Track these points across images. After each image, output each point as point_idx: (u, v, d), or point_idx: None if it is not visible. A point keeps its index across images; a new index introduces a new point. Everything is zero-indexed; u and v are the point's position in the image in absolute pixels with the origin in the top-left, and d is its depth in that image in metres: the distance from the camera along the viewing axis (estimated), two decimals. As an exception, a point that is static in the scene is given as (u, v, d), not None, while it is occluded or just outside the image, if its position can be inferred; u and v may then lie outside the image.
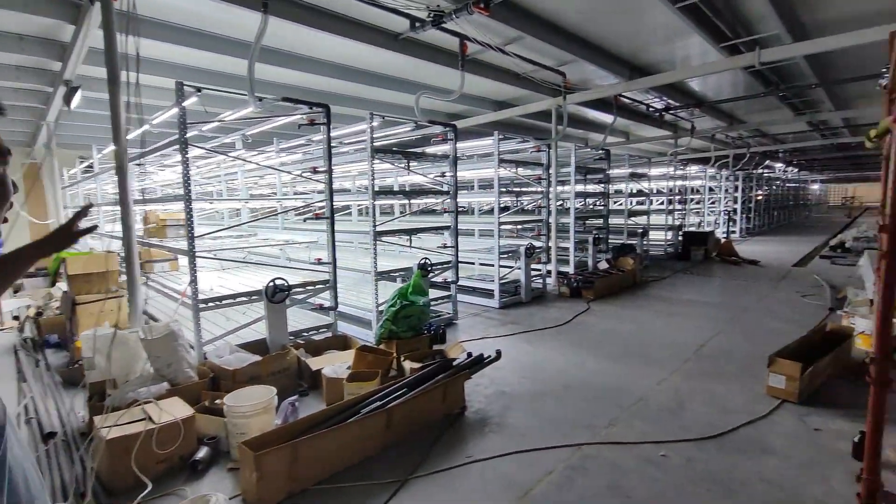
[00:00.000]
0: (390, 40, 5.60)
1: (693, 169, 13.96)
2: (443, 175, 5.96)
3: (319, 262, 4.80)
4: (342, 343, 4.58)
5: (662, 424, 3.33)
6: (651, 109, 9.50)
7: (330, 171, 4.57)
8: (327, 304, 4.75)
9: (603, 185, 8.96)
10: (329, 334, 4.76)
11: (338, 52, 6.26)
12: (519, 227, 7.62)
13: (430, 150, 6.74)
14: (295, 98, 4.41)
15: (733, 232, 15.80)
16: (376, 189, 5.07)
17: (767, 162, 20.17)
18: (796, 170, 27.29)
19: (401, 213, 8.60)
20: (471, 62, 6.68)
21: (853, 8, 5.30)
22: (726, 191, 16.05)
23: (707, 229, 13.73)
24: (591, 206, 9.23)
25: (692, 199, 14.09)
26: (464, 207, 14.83)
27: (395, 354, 3.90)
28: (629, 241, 9.92)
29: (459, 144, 7.26)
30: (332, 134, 5.95)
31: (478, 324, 6.06)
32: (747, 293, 7.61)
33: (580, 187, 9.02)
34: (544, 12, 5.45)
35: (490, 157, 6.61)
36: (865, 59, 7.26)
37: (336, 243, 4.74)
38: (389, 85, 7.20)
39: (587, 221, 9.03)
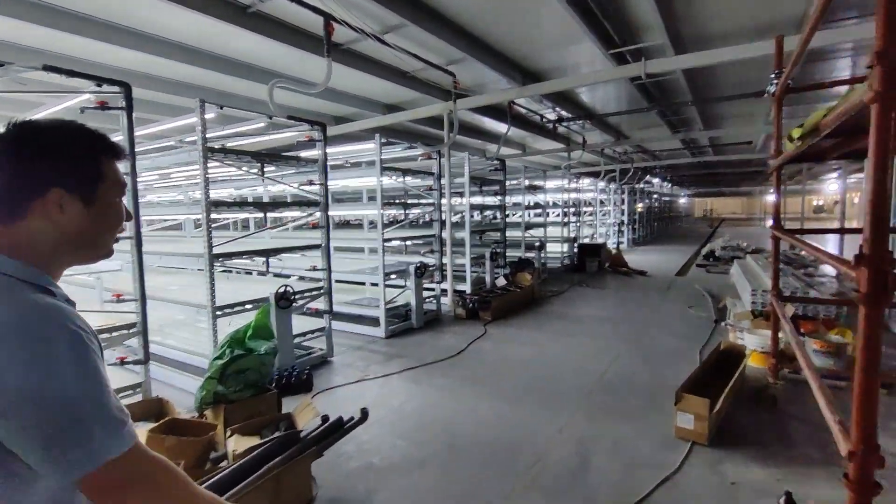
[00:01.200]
0: (238, 14, 4.48)
1: (585, 182, 14.39)
2: (311, 183, 4.93)
3: (119, 298, 3.50)
4: (156, 410, 3.33)
5: (565, 495, 2.65)
6: (545, 120, 9.36)
7: (134, 173, 3.33)
8: (133, 356, 3.47)
9: (499, 196, 8.53)
10: (138, 397, 3.47)
11: (173, 28, 4.96)
12: (408, 242, 6.81)
13: (305, 154, 5.68)
14: (86, 73, 3.13)
15: (622, 243, 16.65)
16: (211, 199, 3.90)
17: (647, 177, 21.90)
18: (669, 185, 30.28)
19: (258, 228, 7.35)
20: (348, 54, 5.77)
21: (735, 23, 5.34)
22: (614, 203, 16.91)
23: (600, 241, 14.18)
24: (489, 220, 8.74)
25: (585, 212, 14.50)
26: (358, 221, 13.82)
27: (217, 428, 2.80)
28: (527, 256, 9.62)
29: (340, 149, 6.31)
30: (146, 129, 4.66)
31: (358, 360, 5.08)
32: (640, 306, 7.57)
33: (476, 199, 8.50)
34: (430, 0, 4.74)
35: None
36: (734, 80, 7.69)
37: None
38: (240, 72, 5.94)
39: (484, 235, 8.51)
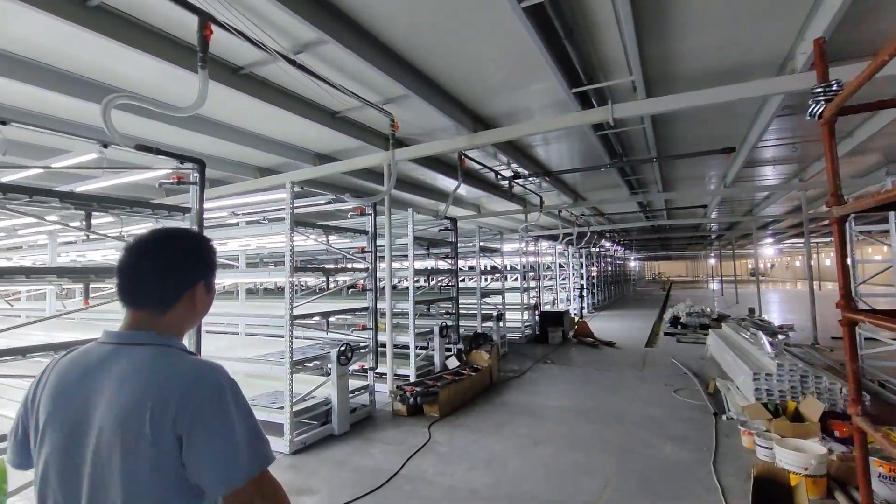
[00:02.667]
0: (76, 7, 3.24)
1: (544, 245, 13.61)
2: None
3: None
4: None
5: None
6: (500, 178, 8.50)
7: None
8: None
9: (451, 260, 7.34)
10: None
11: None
12: (334, 318, 5.36)
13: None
14: None
15: (583, 308, 15.77)
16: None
17: (603, 241, 21.74)
18: (622, 248, 30.60)
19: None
20: (254, 82, 4.62)
21: (708, 65, 4.66)
22: (573, 267, 16.22)
23: (562, 308, 13.17)
24: (438, 287, 7.46)
25: (545, 276, 13.60)
26: (270, 288, 12.17)
27: None
28: (484, 328, 8.31)
29: (245, 200, 4.97)
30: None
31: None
32: (617, 390, 6.33)
33: (421, 263, 7.26)
34: (354, 10, 3.72)
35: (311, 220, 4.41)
36: (692, 138, 7.17)
37: None
38: (72, 89, 4.46)
39: (433, 305, 7.17)
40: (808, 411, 4.19)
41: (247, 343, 5.97)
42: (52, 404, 1.02)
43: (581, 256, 17.55)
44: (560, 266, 14.85)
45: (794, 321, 12.99)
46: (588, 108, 5.17)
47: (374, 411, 5.40)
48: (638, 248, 37.67)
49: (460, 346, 7.12)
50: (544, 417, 5.24)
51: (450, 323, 6.96)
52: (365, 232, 5.41)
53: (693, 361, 8.03)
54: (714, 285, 41.43)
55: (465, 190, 10.12)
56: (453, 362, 6.58)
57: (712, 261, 57.55)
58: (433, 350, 6.70)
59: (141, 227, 4.28)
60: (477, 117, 5.95)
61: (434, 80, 4.97)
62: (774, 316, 14.75)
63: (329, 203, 5.07)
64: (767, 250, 40.24)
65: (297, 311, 4.43)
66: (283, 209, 4.43)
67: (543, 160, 8.41)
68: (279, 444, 4.26)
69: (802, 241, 30.09)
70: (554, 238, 13.49)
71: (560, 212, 12.80)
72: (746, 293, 23.82)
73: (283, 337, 4.34)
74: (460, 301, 7.55)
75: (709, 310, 14.22)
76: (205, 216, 5.25)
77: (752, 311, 15.74)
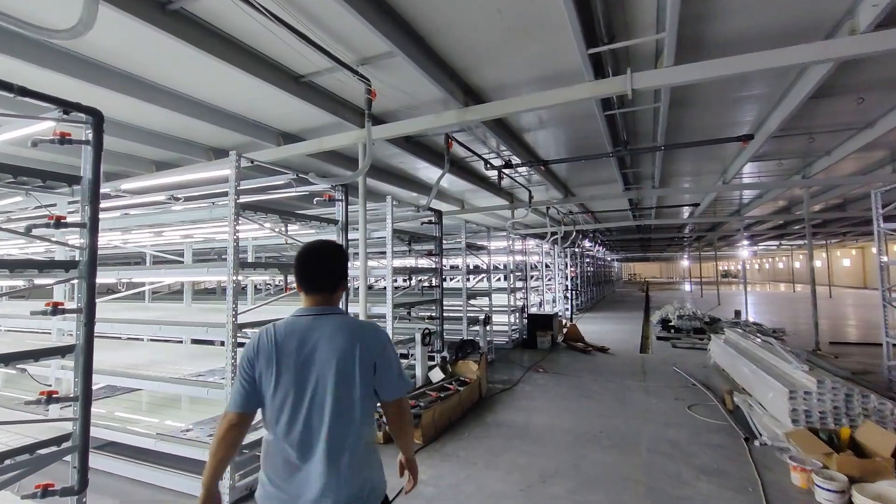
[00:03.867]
0: None
1: (531, 244, 12.86)
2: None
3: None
4: None
5: None
6: (489, 167, 7.67)
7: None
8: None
9: (435, 258, 6.45)
10: None
11: None
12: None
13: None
14: None
15: (567, 309, 15.11)
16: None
17: (586, 241, 21.23)
18: (602, 249, 30.28)
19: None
20: (192, 25, 3.62)
21: (753, 23, 3.91)
22: (558, 267, 15.55)
23: (550, 310, 12.46)
24: (419, 288, 6.56)
25: (532, 276, 12.85)
26: (213, 291, 10.91)
27: None
28: (470, 335, 7.46)
29: (174, 178, 3.99)
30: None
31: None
32: (623, 405, 5.57)
33: (401, 262, 6.35)
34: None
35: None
36: (702, 125, 6.49)
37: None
38: None
39: (413, 308, 6.27)
40: (870, 441, 3.48)
41: (191, 354, 4.95)
42: (284, 355, 1.61)
43: (566, 256, 16.93)
44: (546, 266, 14.13)
45: (780, 324, 12.60)
46: (602, 75, 4.36)
47: (344, 437, 4.48)
48: (618, 249, 37.56)
49: (445, 354, 6.25)
50: (547, 442, 4.41)
51: (433, 328, 6.08)
52: (334, 222, 4.47)
53: (697, 370, 7.37)
54: (687, 286, 41.87)
55: (448, 182, 9.25)
56: (437, 374, 5.70)
57: (686, 262, 58.46)
58: (414, 360, 5.81)
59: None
60: (468, 89, 5.09)
61: (422, 36, 4.07)
62: (760, 319, 14.38)
63: (288, 185, 4.12)
64: (742, 252, 40.73)
65: (243, 318, 3.48)
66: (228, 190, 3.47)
67: (537, 147, 7.61)
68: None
69: (777, 242, 30.37)
70: (541, 237, 12.76)
71: (548, 209, 12.10)
72: (723, 295, 23.74)
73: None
74: (444, 304, 6.67)
75: (699, 312, 13.75)
76: (135, 200, 4.24)
77: (738, 313, 15.38)
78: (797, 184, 9.03)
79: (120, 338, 5.78)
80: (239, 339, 3.40)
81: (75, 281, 2.57)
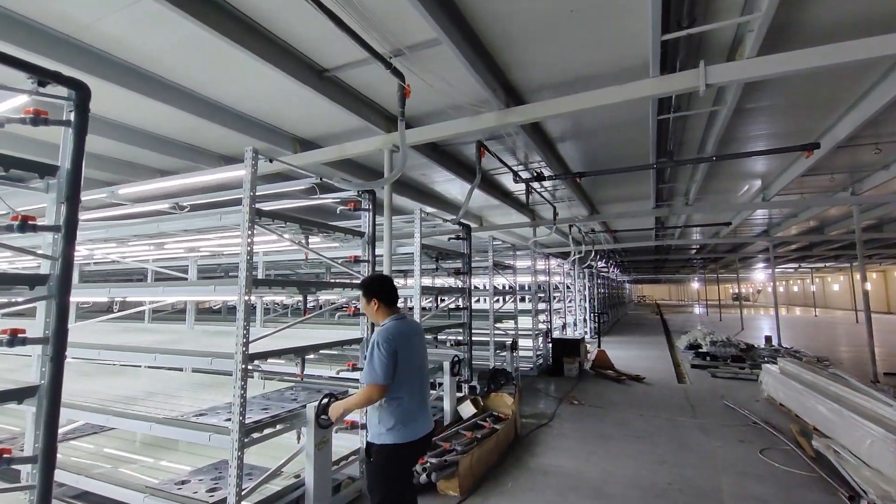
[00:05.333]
0: None
1: (553, 263, 12.22)
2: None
3: None
4: None
5: None
6: (517, 180, 7.10)
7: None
8: None
9: (462, 277, 5.84)
10: None
11: None
12: (303, 357, 3.75)
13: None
14: None
15: (586, 334, 14.36)
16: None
17: (600, 262, 20.57)
18: (617, 270, 29.54)
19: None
20: (204, 4, 3.13)
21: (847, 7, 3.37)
22: (578, 290, 14.87)
23: (571, 334, 11.74)
24: (446, 310, 5.92)
25: (554, 298, 12.17)
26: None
27: None
28: (496, 361, 6.79)
29: (178, 182, 3.46)
30: None
31: None
32: (685, 450, 4.84)
33: (429, 281, 5.76)
34: None
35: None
36: (768, 132, 5.93)
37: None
38: None
39: (440, 333, 5.62)
40: None
41: (193, 384, 4.33)
42: (408, 344, 2.53)
43: (585, 277, 16.29)
44: (567, 287, 13.46)
45: (817, 351, 11.79)
46: (671, 70, 3.82)
47: (365, 493, 3.80)
48: (630, 271, 36.74)
49: (475, 384, 5.58)
50: (610, 497, 3.71)
51: (462, 356, 5.42)
52: (360, 234, 3.90)
53: (750, 404, 6.63)
54: (697, 309, 40.86)
55: (462, 193, 8.73)
56: (468, 409, 5.02)
57: (696, 284, 57.43)
58: (442, 391, 5.14)
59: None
60: (510, 88, 4.56)
61: (468, 18, 3.55)
62: (793, 345, 13.55)
63: (311, 191, 3.56)
64: (758, 275, 39.84)
65: (256, 347, 2.86)
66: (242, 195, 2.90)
67: (570, 159, 7.06)
68: (216, 566, 2.64)
69: (796, 265, 29.45)
70: (564, 256, 12.14)
71: (571, 227, 11.52)
72: (735, 319, 22.82)
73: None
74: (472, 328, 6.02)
75: (731, 338, 12.96)
76: (135, 209, 3.69)
77: (768, 339, 14.58)
78: (848, 201, 8.39)
79: (113, 364, 5.18)
80: (251, 371, 2.78)
81: (42, 302, 1.99)
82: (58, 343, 1.95)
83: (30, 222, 1.96)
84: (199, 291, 3.08)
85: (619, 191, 9.46)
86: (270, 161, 3.06)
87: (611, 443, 5.07)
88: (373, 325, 3.93)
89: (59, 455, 3.62)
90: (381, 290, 2.62)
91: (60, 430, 4.15)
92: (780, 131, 5.88)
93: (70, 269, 1.97)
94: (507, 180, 8.37)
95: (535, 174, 6.89)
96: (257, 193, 2.91)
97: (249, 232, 2.80)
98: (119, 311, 4.52)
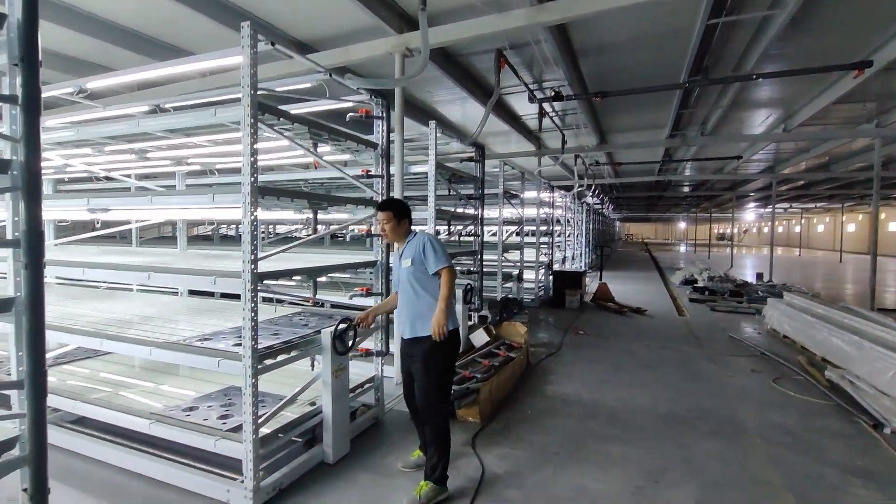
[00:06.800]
0: None
1: (556, 195, 11.83)
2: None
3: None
4: None
5: None
6: (536, 99, 6.49)
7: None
8: None
9: (474, 202, 5.46)
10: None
11: None
12: (314, 279, 3.43)
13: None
14: None
15: (581, 266, 14.35)
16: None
17: (596, 199, 20.24)
18: (611, 207, 29.35)
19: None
20: None
21: None
22: (577, 224, 14.64)
23: (573, 268, 11.65)
24: (457, 237, 5.58)
25: (555, 231, 11.92)
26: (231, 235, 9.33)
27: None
28: (503, 293, 6.61)
29: (156, 73, 2.90)
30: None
31: None
32: (698, 380, 4.81)
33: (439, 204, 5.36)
34: None
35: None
36: (811, 50, 5.38)
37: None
38: None
39: (452, 260, 5.33)
40: None
41: (190, 309, 4.04)
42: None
43: (583, 212, 16.04)
44: (567, 221, 13.20)
45: (809, 288, 11.97)
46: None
47: (382, 414, 3.66)
48: (623, 208, 36.60)
49: (485, 313, 5.40)
50: (630, 425, 3.63)
51: (473, 284, 5.19)
52: (373, 145, 3.44)
53: (754, 337, 6.65)
54: (682, 248, 41.46)
55: (473, 121, 8.11)
56: (481, 337, 4.87)
57: (683, 224, 57.94)
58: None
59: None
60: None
61: None
62: (785, 282, 13.74)
63: (318, 91, 3.05)
64: (748, 215, 40.13)
65: (264, 267, 2.52)
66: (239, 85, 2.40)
67: (592, 76, 6.45)
68: (235, 493, 2.47)
69: (787, 205, 29.48)
70: (567, 189, 11.75)
71: (577, 158, 11.02)
72: (722, 257, 23.10)
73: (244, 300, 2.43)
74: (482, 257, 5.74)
75: (725, 273, 13.05)
76: (109, 112, 3.18)
77: (759, 276, 14.79)
78: (872, 133, 8.00)
79: (101, 287, 4.82)
80: (260, 294, 2.46)
81: (7, 197, 1.59)
82: (32, 245, 1.57)
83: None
84: (193, 201, 2.67)
85: (633, 118, 8.91)
86: (273, 45, 2.53)
87: (622, 372, 5.02)
88: (387, 247, 3.62)
89: (52, 379, 3.38)
90: (409, 212, 2.83)
91: (51, 355, 3.89)
92: (823, 50, 5.33)
93: (37, 151, 1.56)
94: (517, 102, 7.77)
95: (555, 93, 6.31)
96: (257, 91, 2.41)
97: (252, 130, 2.35)
98: (100, 230, 4.08)
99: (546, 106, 7.20)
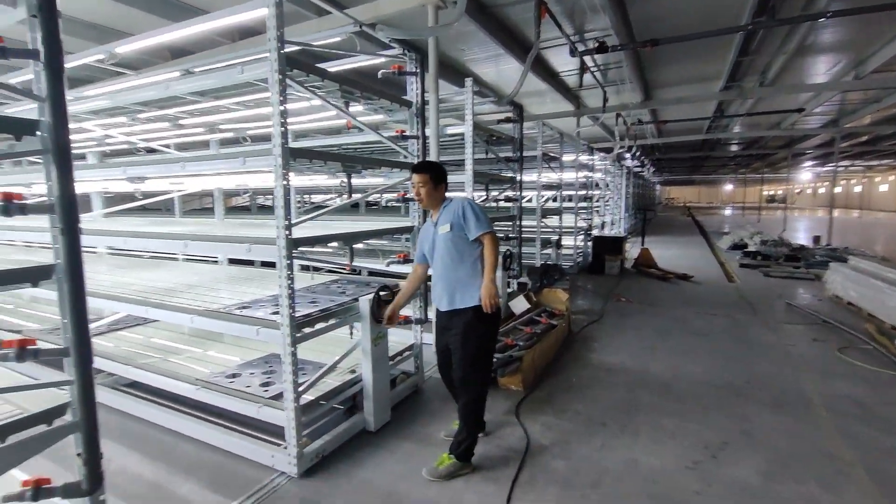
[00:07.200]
0: None
1: (595, 158, 11.30)
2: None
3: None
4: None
5: None
6: (580, 51, 6.04)
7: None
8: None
9: (513, 165, 5.21)
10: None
11: None
12: (351, 245, 3.34)
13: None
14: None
15: (620, 231, 13.82)
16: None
17: (636, 162, 19.29)
18: (652, 169, 28.01)
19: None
20: None
21: None
22: (616, 188, 14.02)
23: (613, 233, 11.23)
24: (495, 202, 5.37)
25: (593, 196, 11.44)
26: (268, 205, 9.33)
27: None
28: (544, 257, 6.39)
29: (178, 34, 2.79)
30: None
31: None
32: (754, 348, 4.52)
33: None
34: None
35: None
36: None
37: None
38: None
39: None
40: None
41: (231, 277, 4.08)
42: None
43: (623, 175, 15.35)
44: (606, 185, 12.65)
45: (869, 251, 11.10)
46: None
47: (422, 382, 3.62)
48: (665, 170, 34.90)
49: (524, 280, 5.24)
50: (684, 396, 3.45)
51: (512, 250, 5.01)
52: (407, 103, 3.25)
53: (814, 303, 6.21)
54: (728, 211, 39.40)
55: (507, 80, 7.70)
56: (521, 304, 4.73)
57: (729, 186, 54.81)
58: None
59: None
60: None
61: None
62: (847, 245, 12.80)
63: (348, 46, 2.87)
64: (804, 175, 37.47)
65: (298, 233, 2.44)
66: (267, 43, 2.25)
67: (640, 24, 5.92)
68: (279, 459, 2.49)
69: (848, 163, 27.22)
70: (607, 151, 11.18)
71: (618, 117, 10.40)
72: (774, 220, 21.75)
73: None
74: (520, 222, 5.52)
75: (780, 237, 12.26)
76: (140, 81, 3.11)
77: (817, 239, 13.86)
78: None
79: (147, 257, 4.96)
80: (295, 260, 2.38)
81: (39, 158, 1.53)
82: (66, 210, 1.52)
83: (-1, 44, 1.44)
84: (225, 166, 2.59)
85: (683, 70, 8.22)
86: None
87: (671, 339, 4.79)
88: (424, 213, 3.47)
89: (107, 345, 3.50)
90: (446, 175, 2.63)
91: (105, 321, 4.03)
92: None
93: (63, 110, 1.48)
94: (556, 57, 7.29)
95: (597, 42, 5.84)
96: (284, 48, 2.25)
97: (280, 88, 2.21)
98: (143, 201, 4.12)
99: (587, 60, 6.72)
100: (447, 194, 2.67)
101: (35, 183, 3.59)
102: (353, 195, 3.01)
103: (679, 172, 39.11)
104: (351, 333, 3.03)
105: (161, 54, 5.88)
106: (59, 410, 1.63)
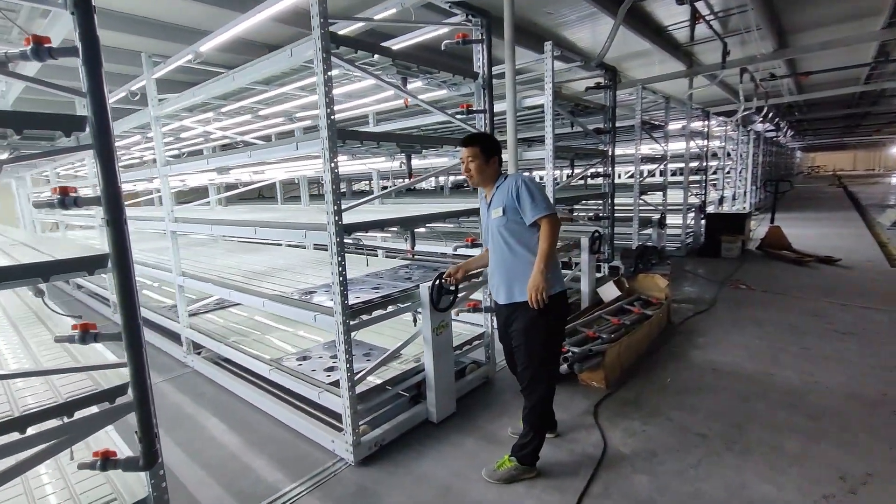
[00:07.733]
0: None
1: (712, 123, 9.87)
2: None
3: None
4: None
5: None
6: (681, 2, 5.19)
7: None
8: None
9: (605, 136, 4.65)
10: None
11: None
12: (411, 230, 3.17)
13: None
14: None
15: (745, 207, 11.99)
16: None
17: (769, 125, 16.54)
18: (791, 133, 23.97)
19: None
20: None
21: None
22: (740, 156, 12.15)
23: (735, 209, 9.81)
24: (583, 179, 4.87)
25: (711, 168, 10.02)
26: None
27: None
28: (641, 240, 5.72)
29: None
30: None
31: None
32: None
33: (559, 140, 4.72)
34: None
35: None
36: None
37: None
38: None
39: (576, 205, 4.70)
40: None
41: (317, 260, 4.22)
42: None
43: (749, 142, 13.29)
44: (727, 154, 11.02)
45: None
46: None
47: (493, 373, 3.41)
48: (807, 133, 29.63)
49: (616, 264, 4.72)
50: (815, 411, 2.78)
51: (602, 230, 4.52)
52: (473, 75, 2.99)
53: None
54: (894, 180, 32.24)
55: (601, 45, 6.92)
56: (611, 291, 4.25)
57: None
58: (579, 271, 4.39)
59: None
60: None
61: None
62: None
63: (403, 17, 2.69)
64: None
65: (351, 218, 2.35)
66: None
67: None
68: (339, 445, 2.48)
69: None
70: (729, 115, 9.69)
71: (743, 73, 8.91)
72: None
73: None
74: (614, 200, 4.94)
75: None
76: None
77: None
78: None
79: (232, 240, 5.40)
80: (354, 246, 2.31)
81: (87, 154, 1.60)
82: (111, 201, 1.56)
83: (45, 45, 1.51)
84: (279, 151, 2.60)
85: (829, 6, 6.71)
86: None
87: (804, 338, 3.95)
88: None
89: (217, 320, 3.84)
90: (499, 148, 2.34)
91: (202, 303, 4.44)
92: None
93: (103, 104, 1.51)
94: (660, 9, 6.37)
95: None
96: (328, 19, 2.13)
97: (324, 66, 2.11)
98: (226, 192, 4.46)
99: (700, 7, 5.75)
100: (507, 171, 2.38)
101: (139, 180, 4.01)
102: (412, 177, 2.86)
103: (827, 135, 32.89)
104: (414, 320, 2.93)
105: (252, 51, 6.26)
106: (121, 389, 1.73)
